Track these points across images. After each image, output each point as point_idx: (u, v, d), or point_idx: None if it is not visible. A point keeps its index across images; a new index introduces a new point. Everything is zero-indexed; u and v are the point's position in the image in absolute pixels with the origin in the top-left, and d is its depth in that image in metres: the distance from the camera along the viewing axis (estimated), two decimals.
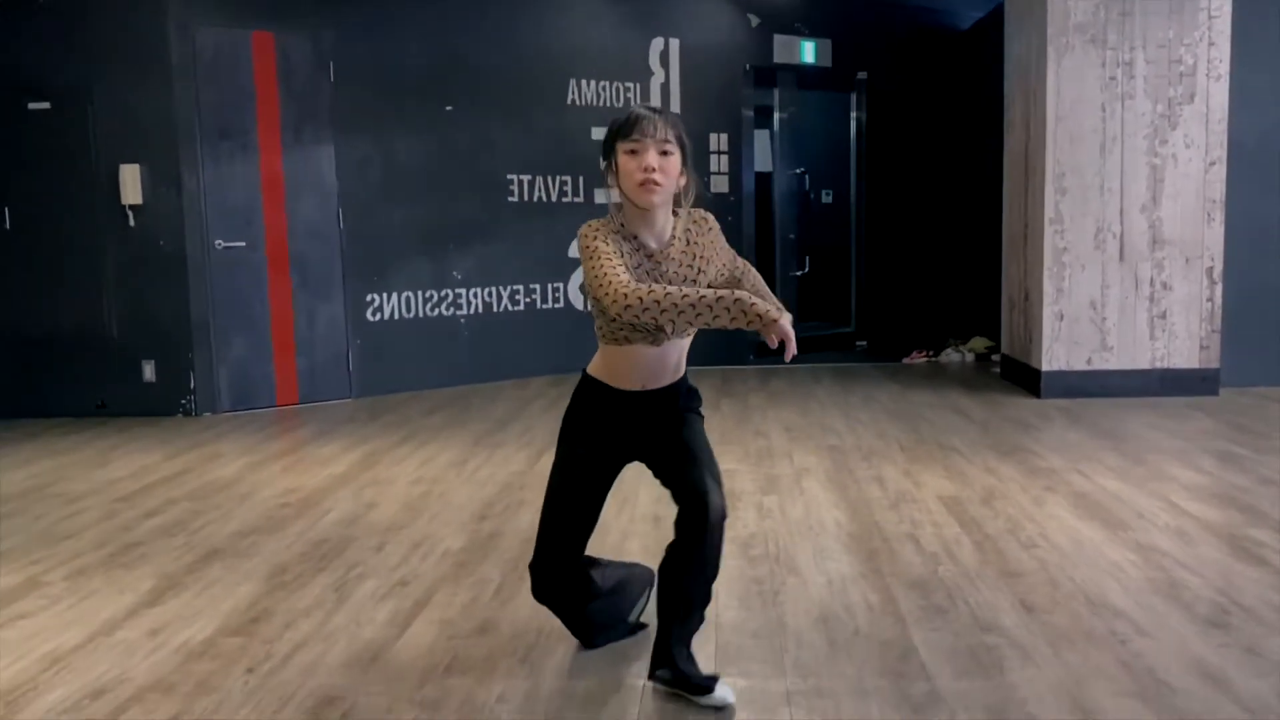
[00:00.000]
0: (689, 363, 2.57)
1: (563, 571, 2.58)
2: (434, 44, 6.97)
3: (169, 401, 6.34)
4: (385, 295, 6.95)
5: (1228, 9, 6.11)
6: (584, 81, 7.60)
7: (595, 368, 2.52)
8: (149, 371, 6.35)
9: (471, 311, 7.32)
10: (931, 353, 8.32)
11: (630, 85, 7.80)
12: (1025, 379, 6.68)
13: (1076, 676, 2.54)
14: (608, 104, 7.70)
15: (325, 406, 6.60)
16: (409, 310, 7.06)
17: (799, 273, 9.04)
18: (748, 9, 8.26)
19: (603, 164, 2.44)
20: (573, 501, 2.54)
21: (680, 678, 2.42)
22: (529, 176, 7.44)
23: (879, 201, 8.96)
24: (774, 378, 7.50)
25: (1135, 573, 3.27)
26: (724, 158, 8.23)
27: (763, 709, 2.41)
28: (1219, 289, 6.26)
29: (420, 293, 7.10)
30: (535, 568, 2.60)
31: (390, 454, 5.20)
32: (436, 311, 7.17)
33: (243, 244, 6.39)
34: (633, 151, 2.32)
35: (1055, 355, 6.34)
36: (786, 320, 2.17)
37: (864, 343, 9.02)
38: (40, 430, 5.97)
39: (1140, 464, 4.68)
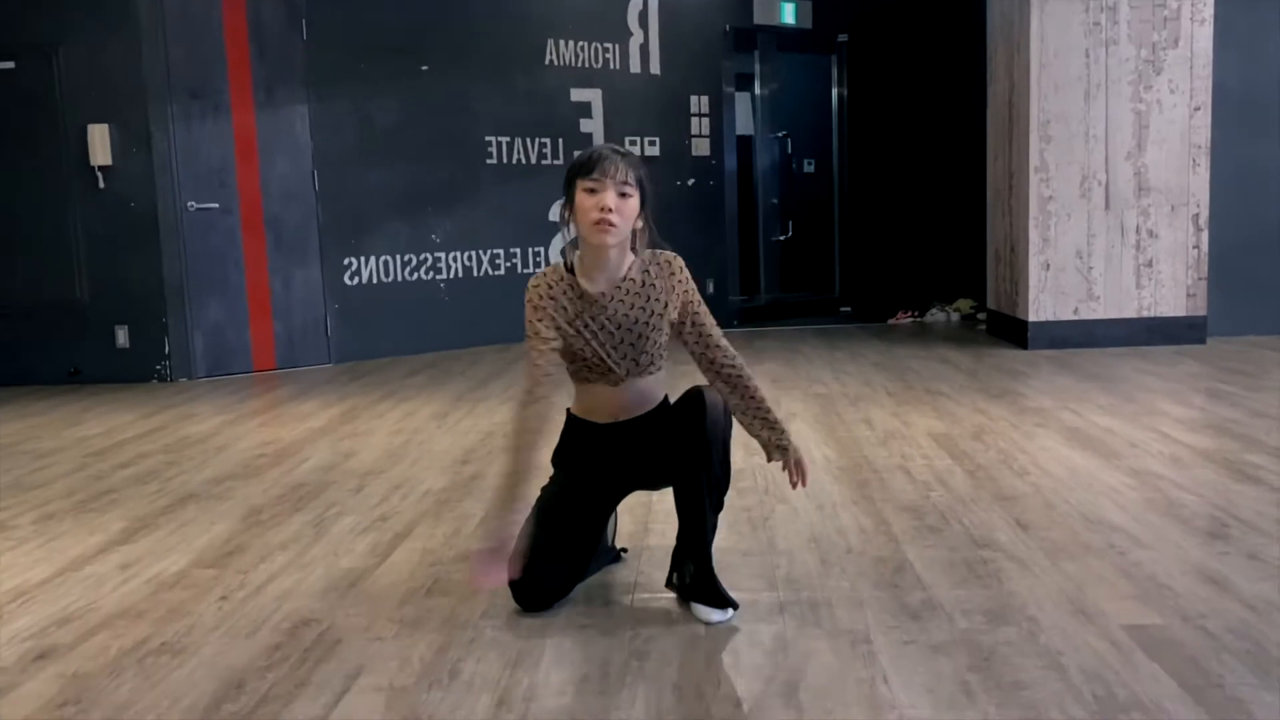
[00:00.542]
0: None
1: (546, 596, 2.42)
2: (409, 2, 6.84)
3: (143, 368, 6.20)
4: (363, 259, 6.83)
5: None
6: (562, 42, 7.48)
7: (573, 404, 2.55)
8: (122, 337, 6.21)
9: (451, 276, 7.20)
10: (917, 313, 8.27)
11: (609, 45, 7.68)
12: (1012, 332, 6.62)
13: (1076, 583, 2.48)
14: (586, 64, 7.58)
15: (304, 372, 6.48)
16: (388, 274, 6.94)
17: (781, 237, 8.97)
18: None
19: (560, 202, 2.41)
20: (558, 527, 2.45)
21: (693, 587, 2.36)
22: (507, 138, 7.32)
23: (861, 166, 8.87)
24: (758, 338, 7.42)
25: (1132, 494, 3.21)
26: (705, 120, 8.14)
27: (755, 618, 2.33)
28: (1205, 236, 6.21)
29: (399, 256, 6.97)
30: (517, 586, 2.38)
31: (370, 409, 5.09)
32: (416, 275, 7.05)
33: (215, 206, 6.25)
34: (591, 190, 2.28)
35: (1042, 305, 6.28)
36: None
37: (848, 308, 8.95)
38: (10, 397, 5.82)
39: (1131, 402, 4.63)
